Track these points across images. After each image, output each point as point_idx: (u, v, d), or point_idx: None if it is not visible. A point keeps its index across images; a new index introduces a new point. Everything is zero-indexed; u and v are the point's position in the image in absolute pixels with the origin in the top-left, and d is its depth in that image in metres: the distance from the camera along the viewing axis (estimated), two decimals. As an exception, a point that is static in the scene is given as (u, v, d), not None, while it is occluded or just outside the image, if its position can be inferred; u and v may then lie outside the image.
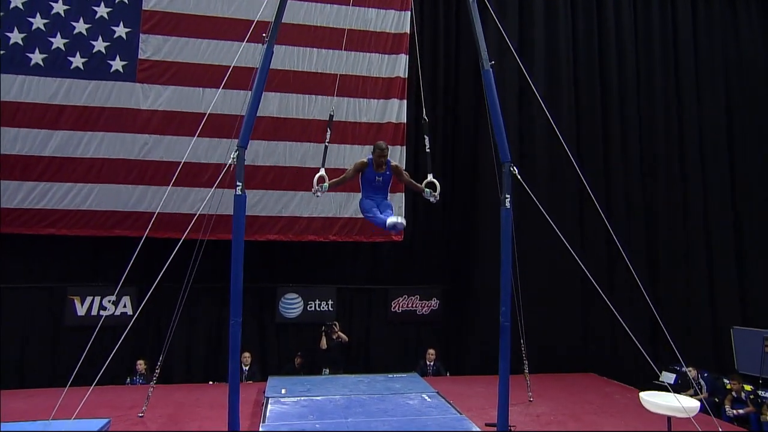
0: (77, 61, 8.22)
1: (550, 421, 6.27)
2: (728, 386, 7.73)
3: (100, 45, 8.31)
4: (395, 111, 8.90)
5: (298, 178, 8.59)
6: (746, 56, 9.83)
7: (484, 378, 8.23)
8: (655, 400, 4.87)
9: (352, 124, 8.77)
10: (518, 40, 8.89)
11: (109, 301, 8.53)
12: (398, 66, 8.95)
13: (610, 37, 9.69)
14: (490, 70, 5.51)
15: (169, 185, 8.14)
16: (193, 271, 6.20)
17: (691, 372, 8.04)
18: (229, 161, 4.89)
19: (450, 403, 6.31)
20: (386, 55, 8.91)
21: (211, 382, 8.21)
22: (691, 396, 8.07)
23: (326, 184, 5.33)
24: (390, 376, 7.66)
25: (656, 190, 9.55)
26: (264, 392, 6.86)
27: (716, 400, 7.82)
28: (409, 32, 8.98)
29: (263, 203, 8.58)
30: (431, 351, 8.61)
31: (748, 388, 7.70)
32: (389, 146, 8.73)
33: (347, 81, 8.75)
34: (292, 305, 9.08)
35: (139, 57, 8.36)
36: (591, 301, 9.31)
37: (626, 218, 9.42)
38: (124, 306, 8.62)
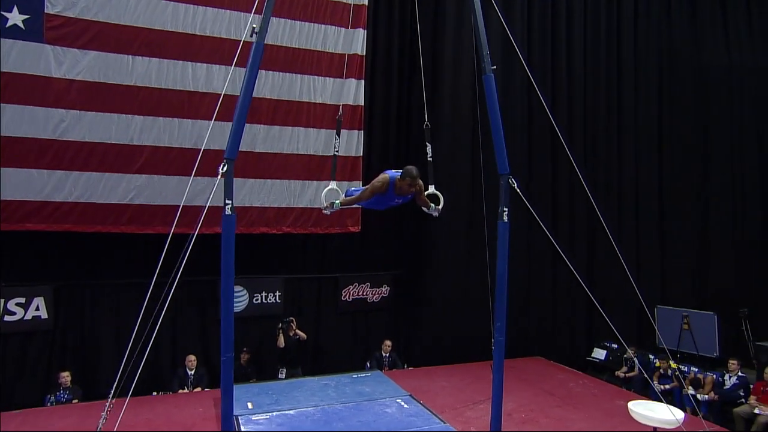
0: (-46, 9, 6.52)
1: (523, 420, 6.45)
2: (657, 364, 8.51)
3: (-13, -10, 6.64)
4: (352, 92, 8.21)
5: (247, 164, 7.74)
6: (675, 46, 10.40)
7: (442, 369, 8.32)
8: (643, 412, 5.03)
9: (307, 104, 7.96)
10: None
11: (17, 304, 7.30)
12: (356, 42, 8.19)
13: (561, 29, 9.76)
14: (492, 75, 5.17)
15: (93, 171, 7.17)
16: (167, 267, 5.26)
17: (632, 351, 8.73)
18: (217, 178, 4.24)
19: (430, 410, 6.26)
20: (343, 29, 8.10)
21: (155, 393, 7.39)
22: (625, 373, 8.90)
23: (338, 202, 4.76)
24: (354, 376, 7.42)
25: (595, 176, 9.96)
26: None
27: (645, 376, 8.58)
28: (367, 4, 8.25)
29: (208, 192, 7.59)
30: (387, 342, 8.47)
31: (674, 365, 8.54)
32: (350, 130, 8.31)
33: (301, 56, 7.91)
34: (236, 298, 8.37)
35: (46, 11, 6.80)
36: (533, 283, 9.71)
37: (569, 205, 9.81)
38: (37, 308, 7.42)
